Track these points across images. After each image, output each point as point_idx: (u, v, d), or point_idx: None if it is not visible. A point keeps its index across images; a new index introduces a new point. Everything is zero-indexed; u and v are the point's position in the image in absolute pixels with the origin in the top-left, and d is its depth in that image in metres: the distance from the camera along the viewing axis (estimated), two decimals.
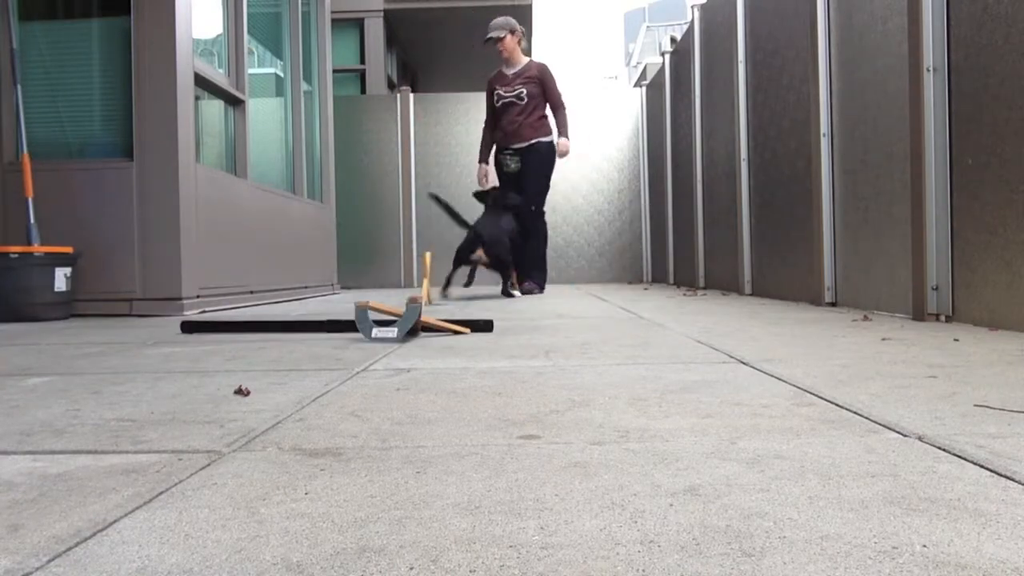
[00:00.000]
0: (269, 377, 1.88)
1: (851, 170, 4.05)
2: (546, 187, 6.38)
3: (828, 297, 4.29)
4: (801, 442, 1.14)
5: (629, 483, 0.95)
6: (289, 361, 2.18)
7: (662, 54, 8.66)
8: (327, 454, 1.11)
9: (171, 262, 4.39)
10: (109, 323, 3.88)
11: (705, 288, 7.15)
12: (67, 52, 4.64)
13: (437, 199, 5.94)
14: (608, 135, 9.71)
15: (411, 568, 0.70)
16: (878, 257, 3.76)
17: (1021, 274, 2.65)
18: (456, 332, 2.89)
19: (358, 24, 10.21)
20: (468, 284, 5.97)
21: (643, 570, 0.68)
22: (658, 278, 9.43)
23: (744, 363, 1.99)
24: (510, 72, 6.39)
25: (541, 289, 6.36)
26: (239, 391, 1.64)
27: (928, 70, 3.15)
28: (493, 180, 6.56)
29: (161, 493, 0.94)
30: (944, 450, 1.08)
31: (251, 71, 5.73)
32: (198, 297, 4.58)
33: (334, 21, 9.18)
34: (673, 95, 8.42)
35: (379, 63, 10.22)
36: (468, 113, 9.57)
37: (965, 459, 1.03)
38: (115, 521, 0.84)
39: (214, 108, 5.36)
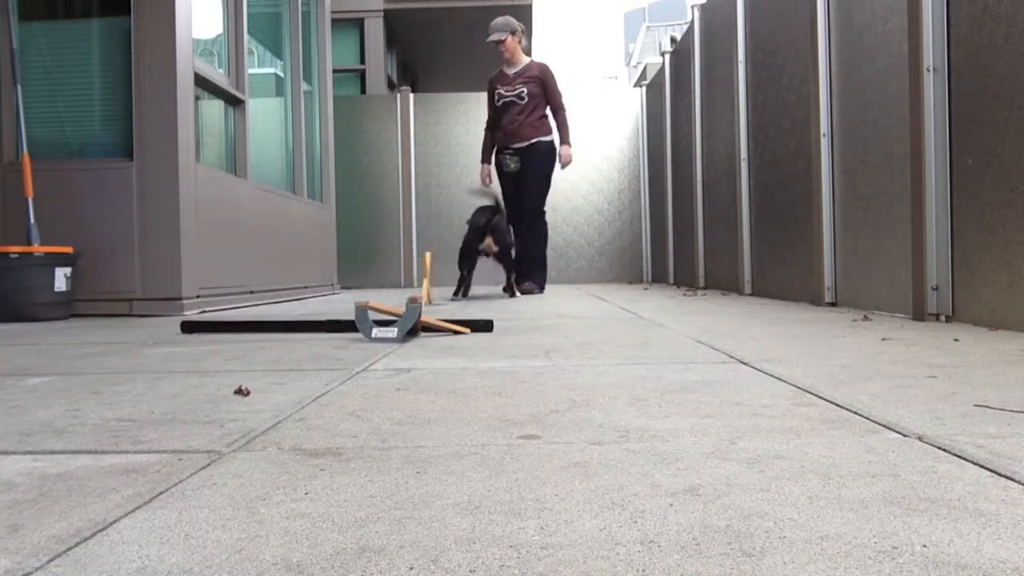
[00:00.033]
0: (269, 377, 1.88)
1: (851, 170, 4.05)
2: (547, 187, 6.38)
3: (828, 297, 4.29)
4: (801, 442, 1.14)
5: (629, 483, 0.95)
6: (289, 361, 2.18)
7: (662, 54, 8.66)
8: (327, 454, 1.11)
9: (171, 262, 4.39)
10: (109, 323, 3.88)
11: (705, 288, 7.15)
12: (67, 52, 4.64)
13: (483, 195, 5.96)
14: (608, 135, 9.71)
15: (411, 568, 0.70)
16: (878, 257, 3.76)
17: (1021, 274, 2.65)
18: (456, 332, 2.89)
19: (358, 24, 10.21)
20: (465, 293, 5.87)
21: (643, 570, 0.68)
22: (658, 278, 9.43)
23: (744, 363, 1.99)
24: (511, 72, 6.39)
25: (541, 289, 6.36)
26: (239, 391, 1.64)
27: (928, 70, 3.15)
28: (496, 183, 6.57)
29: (161, 493, 0.94)
30: (944, 450, 1.08)
31: (251, 71, 5.73)
32: (198, 297, 4.58)
33: (334, 21, 9.19)
34: (673, 95, 8.42)
35: (379, 63, 10.22)
36: (468, 113, 9.57)
37: (965, 459, 1.03)
38: (115, 521, 0.84)
39: (214, 108, 5.36)
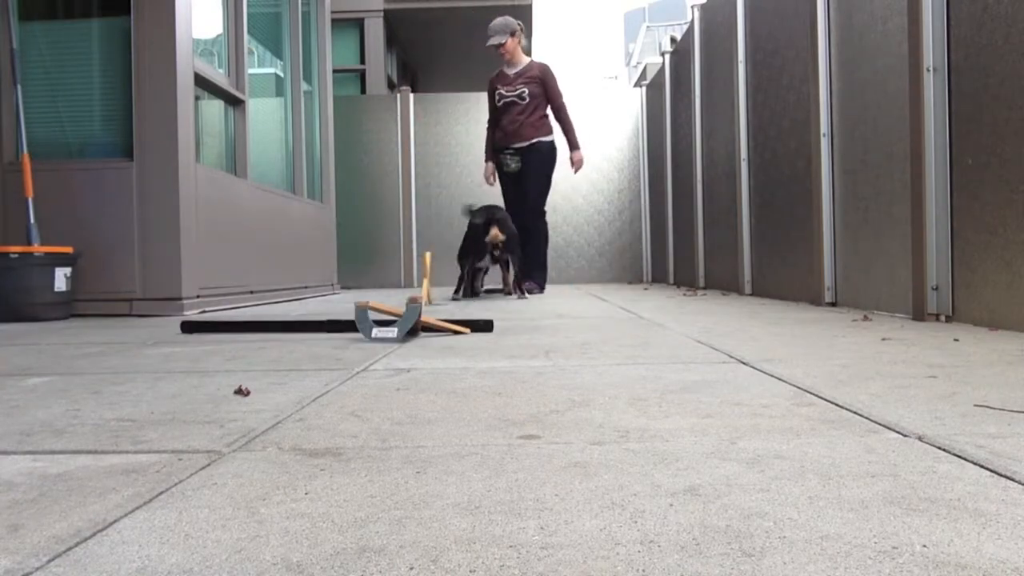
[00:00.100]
0: (269, 377, 1.88)
1: (851, 170, 4.05)
2: (547, 187, 6.38)
3: (828, 297, 4.29)
4: (801, 442, 1.14)
5: (629, 483, 0.95)
6: (289, 361, 2.18)
7: (662, 54, 8.66)
8: (327, 454, 1.11)
9: (171, 262, 4.39)
10: (109, 323, 3.88)
11: (705, 288, 7.15)
12: (67, 52, 4.64)
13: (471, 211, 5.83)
14: (608, 135, 9.72)
15: (411, 568, 0.70)
16: (878, 257, 3.76)
17: (1021, 274, 2.65)
18: (456, 332, 2.89)
19: (358, 24, 10.21)
20: (467, 293, 5.83)
21: (643, 570, 0.68)
22: (658, 278, 9.43)
23: (744, 363, 1.99)
24: (512, 72, 6.39)
25: (541, 289, 6.37)
26: (239, 391, 1.64)
27: (928, 70, 3.15)
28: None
29: (161, 493, 0.94)
30: (944, 450, 1.08)
31: (251, 71, 5.73)
32: (198, 297, 4.58)
33: (334, 21, 9.18)
34: (673, 95, 8.42)
35: (379, 63, 10.22)
36: (468, 113, 9.57)
37: (965, 459, 1.03)
38: (115, 521, 0.84)
39: (214, 108, 5.36)
